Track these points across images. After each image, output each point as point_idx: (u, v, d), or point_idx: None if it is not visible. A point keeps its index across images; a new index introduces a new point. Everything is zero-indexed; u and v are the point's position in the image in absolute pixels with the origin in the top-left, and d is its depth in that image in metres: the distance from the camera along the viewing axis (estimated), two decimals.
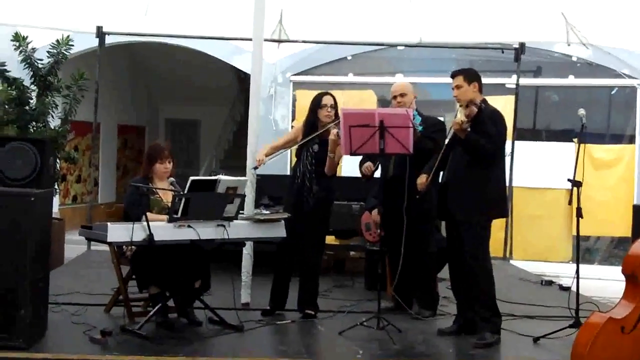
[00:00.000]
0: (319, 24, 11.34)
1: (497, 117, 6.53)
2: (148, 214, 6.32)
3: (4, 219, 5.56)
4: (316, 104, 7.30)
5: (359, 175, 7.92)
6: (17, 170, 5.83)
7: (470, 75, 6.67)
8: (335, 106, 7.23)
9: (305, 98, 7.41)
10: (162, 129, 22.46)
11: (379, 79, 14.03)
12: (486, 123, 6.38)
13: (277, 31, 11.51)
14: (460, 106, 6.54)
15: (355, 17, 10.96)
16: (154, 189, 6.78)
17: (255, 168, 7.35)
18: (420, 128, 7.08)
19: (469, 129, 6.32)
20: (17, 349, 5.52)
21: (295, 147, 7.40)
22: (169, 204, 6.65)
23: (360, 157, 7.45)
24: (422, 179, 6.79)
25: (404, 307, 7.35)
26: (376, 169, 7.32)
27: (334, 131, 6.99)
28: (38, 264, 5.78)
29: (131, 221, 6.19)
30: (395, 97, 7.49)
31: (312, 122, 7.29)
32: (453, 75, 6.72)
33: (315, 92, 7.57)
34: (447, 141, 6.59)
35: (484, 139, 6.34)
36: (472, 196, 6.45)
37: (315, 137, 7.22)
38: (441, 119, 8.14)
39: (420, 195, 6.82)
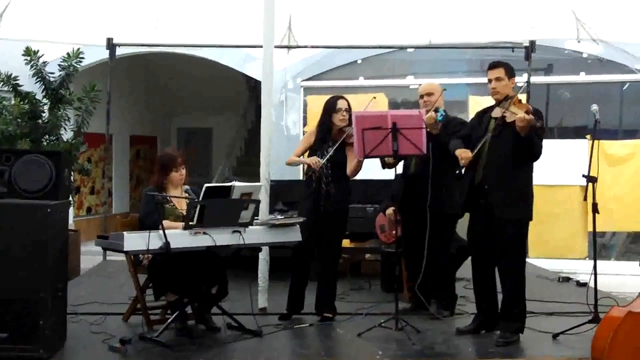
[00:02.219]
0: (328, 28, 11.35)
1: (541, 115, 6.34)
2: (164, 221, 6.36)
3: (22, 231, 5.60)
4: (331, 107, 7.29)
5: (373, 177, 7.93)
6: (33, 182, 5.84)
7: (511, 70, 6.49)
8: (349, 109, 7.23)
9: (316, 103, 7.45)
10: (174, 138, 22.54)
11: (390, 82, 14.06)
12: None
13: (287, 37, 11.52)
14: (501, 102, 6.35)
15: (364, 21, 10.95)
16: (169, 198, 6.80)
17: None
18: (440, 118, 7.05)
19: (539, 125, 6.06)
20: (38, 359, 5.55)
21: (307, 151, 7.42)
22: (184, 212, 6.68)
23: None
24: (467, 153, 6.35)
25: (423, 306, 7.34)
26: (398, 160, 7.24)
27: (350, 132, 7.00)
28: (57, 274, 5.81)
29: (147, 230, 6.21)
30: (422, 97, 7.45)
31: (327, 125, 7.29)
32: (493, 66, 6.49)
33: (326, 97, 7.55)
34: (487, 136, 6.36)
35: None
36: (519, 195, 6.34)
37: (329, 140, 7.23)
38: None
39: (459, 170, 6.49)
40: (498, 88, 6.42)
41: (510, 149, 6.25)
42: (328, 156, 7.12)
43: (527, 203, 6.41)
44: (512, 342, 6.32)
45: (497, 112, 6.40)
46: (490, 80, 6.48)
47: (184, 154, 7.12)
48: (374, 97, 7.55)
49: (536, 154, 6.29)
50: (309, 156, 7.36)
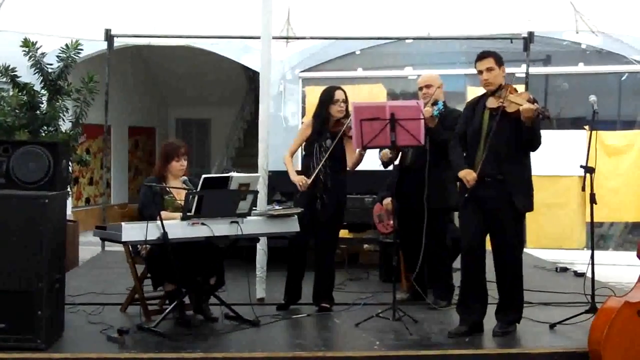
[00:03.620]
0: (326, 20, 11.36)
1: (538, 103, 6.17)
2: (163, 212, 6.37)
3: (19, 221, 5.60)
4: (327, 98, 7.24)
5: (371, 168, 7.93)
6: (31, 173, 5.85)
7: (500, 59, 6.33)
8: (346, 100, 7.22)
9: (315, 94, 7.46)
10: (172, 129, 22.57)
11: (388, 73, 14.08)
12: None
13: (285, 29, 11.51)
14: (495, 92, 6.21)
15: (363, 12, 10.97)
16: (167, 188, 6.81)
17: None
18: (436, 113, 7.03)
19: (547, 114, 5.94)
20: (36, 350, 5.57)
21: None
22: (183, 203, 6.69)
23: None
24: (472, 174, 6.18)
25: (421, 296, 7.36)
26: (396, 156, 7.19)
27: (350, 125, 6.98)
28: (54, 265, 5.82)
29: (145, 221, 6.22)
30: (420, 89, 7.46)
31: (323, 116, 7.27)
32: (483, 57, 6.32)
33: (325, 87, 7.53)
34: (488, 128, 6.19)
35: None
36: (523, 188, 6.23)
37: (326, 132, 7.21)
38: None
39: (468, 192, 6.24)
40: (490, 79, 6.26)
41: (510, 140, 6.14)
42: (315, 173, 7.07)
43: (528, 195, 6.30)
44: (510, 332, 6.33)
45: (492, 103, 6.24)
46: (480, 72, 6.31)
47: (186, 144, 7.11)
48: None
49: (539, 143, 6.19)
50: (304, 149, 7.34)
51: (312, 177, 7.09)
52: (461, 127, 6.59)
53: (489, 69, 6.27)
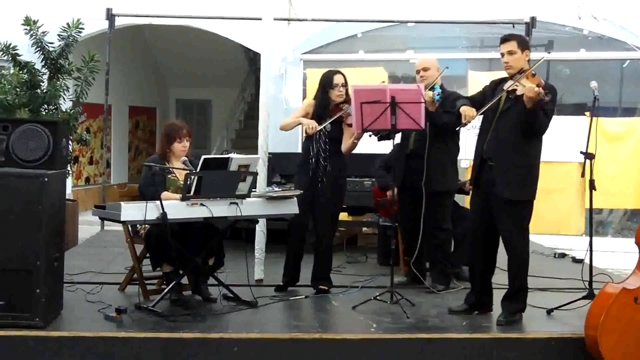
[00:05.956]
0: (328, 1, 11.35)
1: (555, 93, 6.13)
2: (164, 193, 6.39)
3: (18, 200, 5.60)
4: (327, 83, 7.20)
5: (371, 151, 7.92)
6: (30, 151, 5.84)
7: (524, 42, 6.29)
8: (346, 84, 7.19)
9: (316, 76, 7.41)
10: (172, 109, 22.55)
11: (389, 56, 14.05)
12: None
13: (287, 10, 11.49)
14: (514, 76, 6.13)
15: None
16: (169, 169, 6.80)
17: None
18: (437, 97, 6.99)
19: (547, 99, 5.87)
20: (34, 328, 5.58)
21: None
22: None
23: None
24: (472, 112, 6.11)
25: (419, 280, 7.37)
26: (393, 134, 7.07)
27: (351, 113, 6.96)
28: (53, 243, 5.83)
29: (145, 200, 6.21)
30: (418, 72, 7.44)
31: (324, 102, 7.23)
32: (505, 40, 6.26)
33: (325, 70, 7.50)
34: (495, 101, 6.13)
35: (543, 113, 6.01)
36: (522, 174, 6.14)
37: (327, 117, 7.17)
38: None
39: (462, 125, 6.26)
40: (511, 62, 6.20)
41: (517, 125, 6.08)
42: (324, 125, 7.08)
43: (529, 183, 6.20)
44: (514, 321, 6.24)
45: (508, 85, 6.17)
46: (502, 55, 6.26)
47: (189, 126, 7.10)
48: (383, 81, 7.49)
49: (539, 129, 6.10)
50: (305, 132, 7.30)
51: (322, 126, 7.07)
52: (476, 95, 6.58)
53: (510, 52, 6.20)
